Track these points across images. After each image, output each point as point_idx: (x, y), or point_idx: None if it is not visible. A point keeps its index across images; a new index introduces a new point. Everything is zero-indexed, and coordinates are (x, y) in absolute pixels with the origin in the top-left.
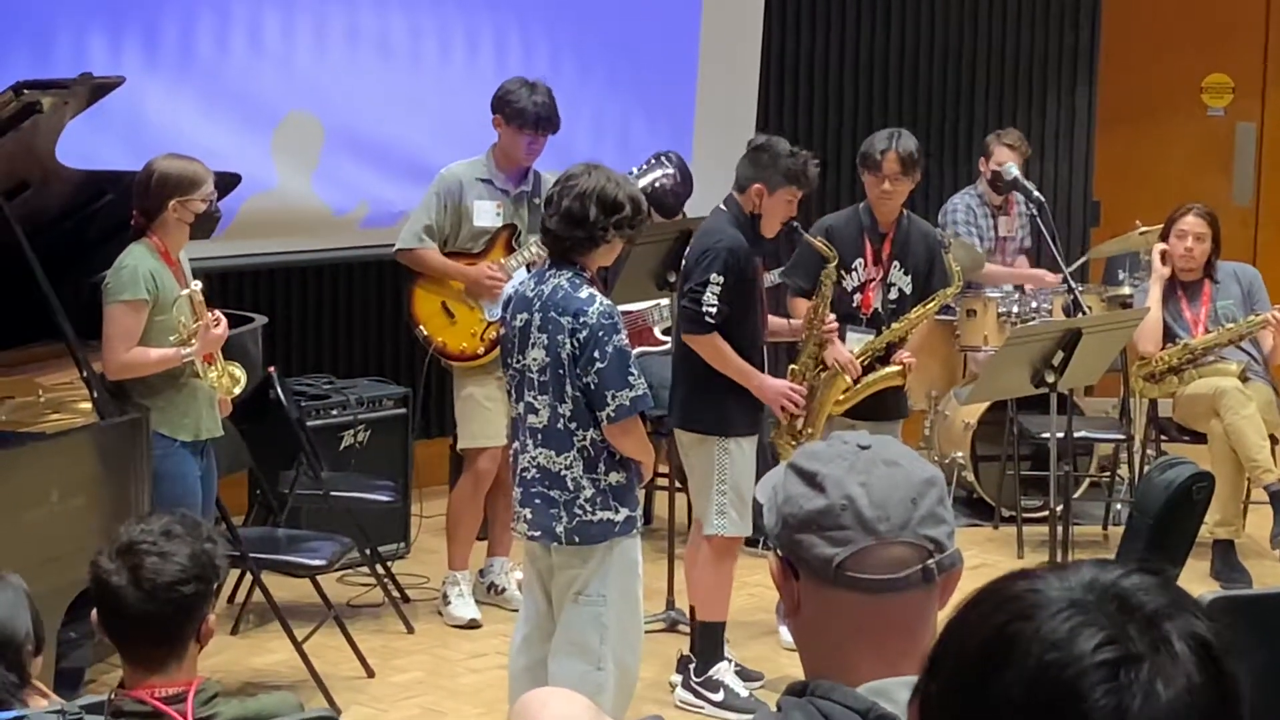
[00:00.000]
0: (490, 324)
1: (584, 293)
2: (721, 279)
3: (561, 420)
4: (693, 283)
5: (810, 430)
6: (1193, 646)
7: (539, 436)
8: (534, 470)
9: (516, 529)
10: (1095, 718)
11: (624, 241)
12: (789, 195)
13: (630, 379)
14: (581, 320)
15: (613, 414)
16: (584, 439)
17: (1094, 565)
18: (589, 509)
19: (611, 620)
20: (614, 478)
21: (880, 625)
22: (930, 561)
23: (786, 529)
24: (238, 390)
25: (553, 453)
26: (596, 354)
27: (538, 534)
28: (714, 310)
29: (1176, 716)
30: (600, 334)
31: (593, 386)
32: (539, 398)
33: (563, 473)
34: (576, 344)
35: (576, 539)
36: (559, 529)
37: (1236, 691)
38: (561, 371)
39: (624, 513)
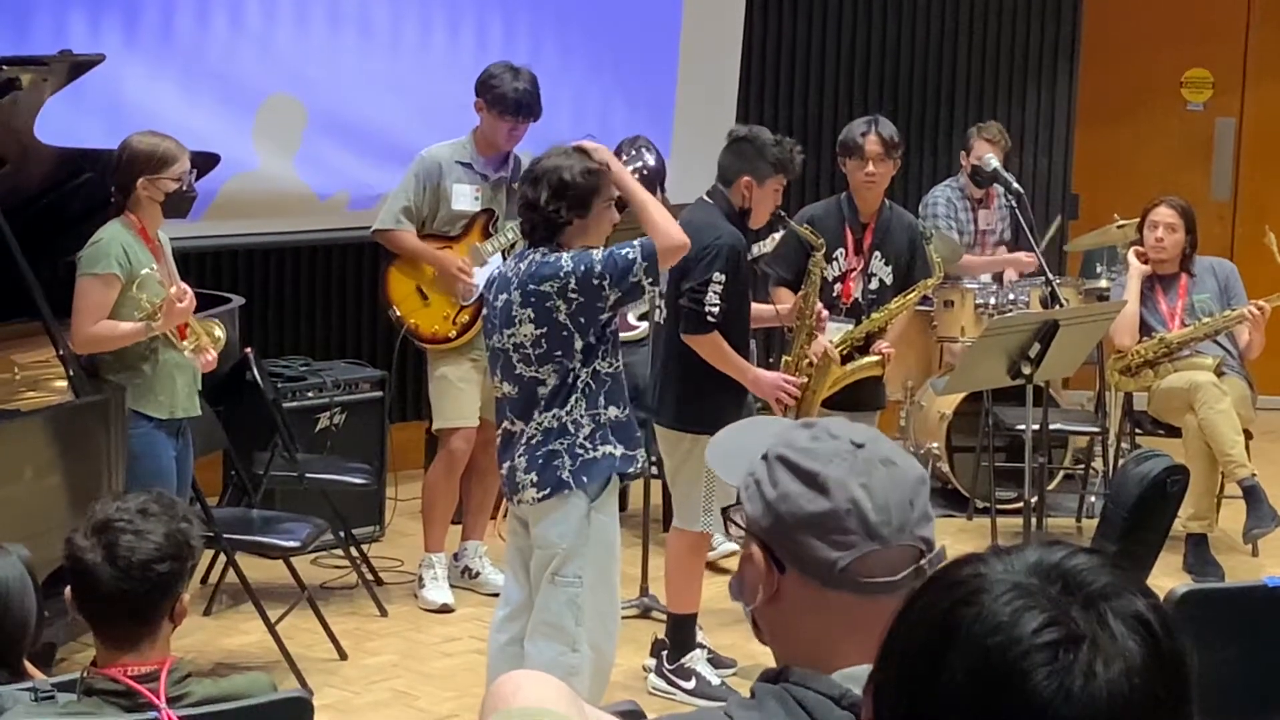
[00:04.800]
0: (463, 308)
1: (553, 257)
2: (724, 278)
3: (571, 374)
4: (694, 282)
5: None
6: (1132, 626)
7: (542, 403)
8: (539, 435)
9: (523, 498)
10: (1038, 700)
11: (590, 218)
12: (777, 184)
13: (625, 250)
14: (563, 275)
15: (644, 264)
16: (587, 376)
17: (1039, 547)
18: (589, 447)
19: (587, 603)
20: (613, 413)
21: (866, 623)
22: (923, 561)
23: (782, 526)
24: (219, 345)
25: (558, 409)
26: (595, 276)
27: (548, 491)
28: (716, 310)
29: (1118, 696)
30: (583, 266)
31: (614, 281)
32: (541, 368)
33: (565, 421)
34: (574, 291)
35: (584, 478)
36: (565, 475)
37: (1181, 669)
38: (566, 333)
39: (622, 449)
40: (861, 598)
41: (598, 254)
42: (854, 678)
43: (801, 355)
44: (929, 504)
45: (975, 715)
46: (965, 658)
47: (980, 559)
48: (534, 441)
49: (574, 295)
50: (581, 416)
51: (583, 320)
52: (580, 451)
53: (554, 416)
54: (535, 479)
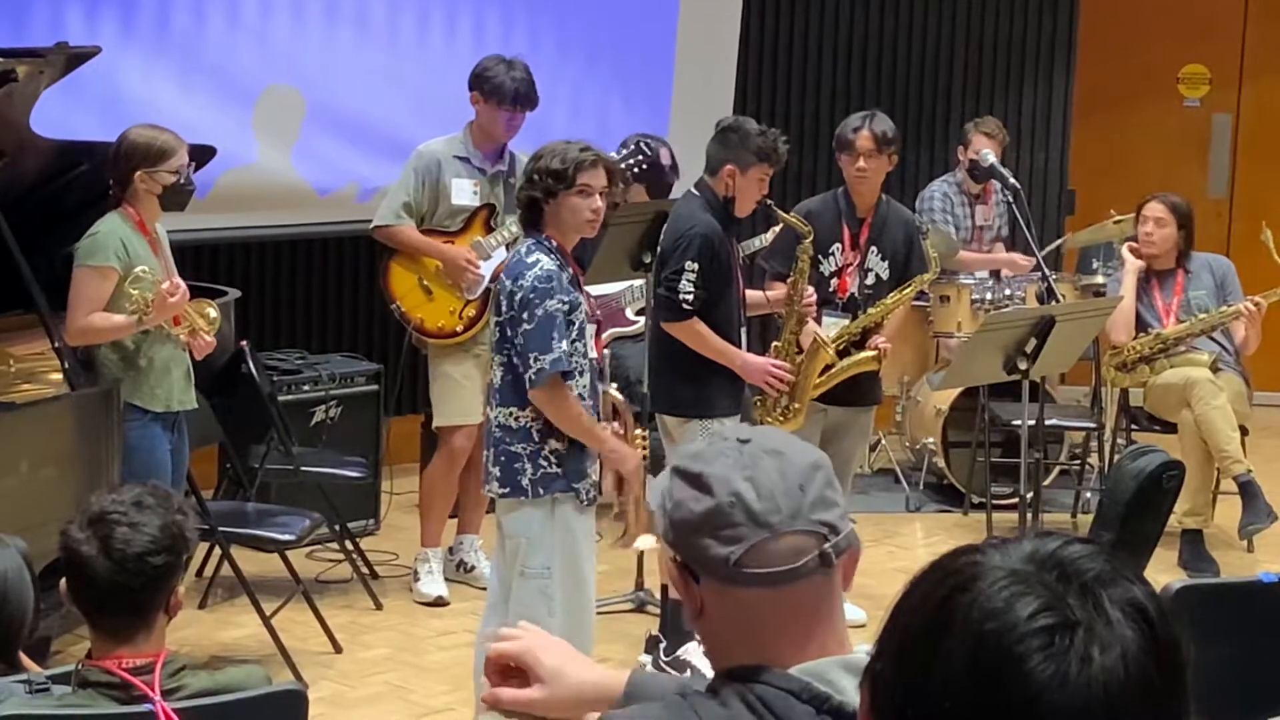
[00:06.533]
0: (469, 302)
1: (531, 258)
2: (696, 265)
3: (522, 380)
4: (668, 271)
5: (797, 405)
6: (1129, 612)
7: (498, 396)
8: (498, 430)
9: (490, 489)
10: (1034, 684)
11: (557, 202)
12: (761, 174)
13: (552, 343)
14: (518, 284)
15: (533, 378)
16: None
17: (1035, 537)
18: (553, 461)
19: (556, 592)
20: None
21: (785, 615)
22: (826, 546)
23: (680, 533)
24: (215, 326)
25: (515, 408)
26: (525, 316)
27: (507, 490)
28: (690, 297)
29: (1114, 681)
30: (531, 297)
31: (519, 349)
32: (497, 357)
33: (528, 425)
34: (511, 306)
35: (541, 490)
36: (525, 482)
37: (1177, 656)
38: (510, 332)
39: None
40: (768, 591)
41: (555, 308)
42: (813, 672)
43: (791, 341)
44: (830, 489)
45: (972, 702)
46: (961, 644)
47: (976, 549)
48: (496, 435)
49: (512, 307)
50: (546, 430)
51: (509, 330)
52: (544, 464)
53: (509, 414)
54: (499, 474)
